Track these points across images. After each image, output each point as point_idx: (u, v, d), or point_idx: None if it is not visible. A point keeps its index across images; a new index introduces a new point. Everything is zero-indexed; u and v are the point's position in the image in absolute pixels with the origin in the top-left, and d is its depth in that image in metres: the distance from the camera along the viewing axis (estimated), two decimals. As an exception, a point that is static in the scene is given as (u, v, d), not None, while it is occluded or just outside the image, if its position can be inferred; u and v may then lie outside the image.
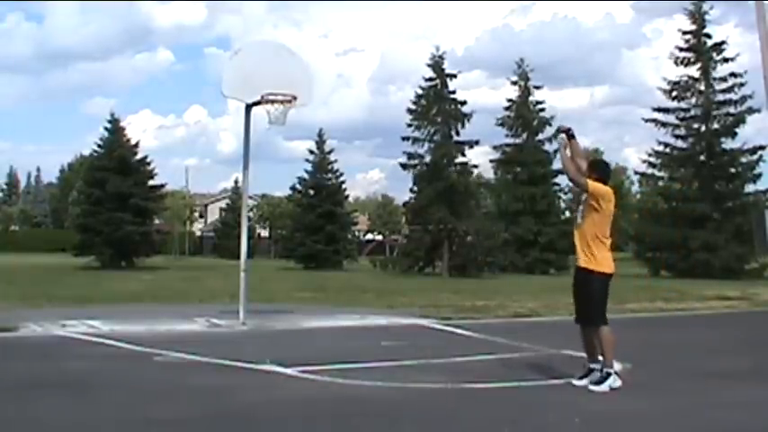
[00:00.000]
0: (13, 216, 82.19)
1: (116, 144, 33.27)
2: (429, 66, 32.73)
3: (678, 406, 5.68)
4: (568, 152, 6.31)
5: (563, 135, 6.38)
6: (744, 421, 5.21)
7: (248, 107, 10.97)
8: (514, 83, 38.12)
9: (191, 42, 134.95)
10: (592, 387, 5.92)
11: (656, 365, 7.53)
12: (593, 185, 6.05)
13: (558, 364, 7.30)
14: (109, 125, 33.95)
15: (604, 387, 5.89)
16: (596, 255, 6.00)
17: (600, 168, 6.38)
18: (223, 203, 68.31)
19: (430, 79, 32.67)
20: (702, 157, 33.16)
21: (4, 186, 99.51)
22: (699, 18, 33.31)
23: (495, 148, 38.10)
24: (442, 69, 32.65)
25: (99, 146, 34.02)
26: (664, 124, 33.60)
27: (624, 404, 5.66)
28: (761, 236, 18.33)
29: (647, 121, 33.80)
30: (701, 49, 33.03)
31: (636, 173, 38.52)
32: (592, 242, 6.02)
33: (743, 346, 9.40)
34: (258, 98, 10.61)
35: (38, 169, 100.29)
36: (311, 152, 39.28)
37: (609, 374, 5.93)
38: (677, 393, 6.16)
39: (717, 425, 5.20)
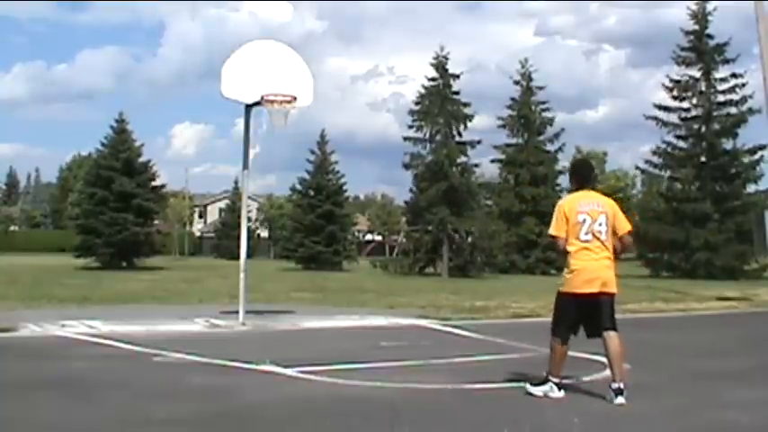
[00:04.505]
0: (12, 216, 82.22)
1: (122, 145, 33.27)
2: (432, 65, 32.70)
3: (678, 406, 5.67)
4: None
5: None
6: (744, 421, 5.20)
7: (248, 107, 10.97)
8: (516, 82, 38.13)
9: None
10: (529, 387, 5.79)
11: (656, 365, 7.53)
12: (552, 231, 5.83)
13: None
14: (115, 124, 33.97)
15: (538, 390, 5.72)
16: (564, 273, 5.83)
17: (577, 173, 6.19)
18: (223, 204, 68.36)
19: (433, 79, 32.63)
20: (703, 158, 33.17)
21: (4, 187, 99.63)
22: (701, 18, 33.30)
23: (495, 147, 38.14)
24: (446, 69, 32.61)
25: (103, 145, 34.06)
26: (665, 123, 33.62)
27: (624, 404, 5.66)
28: (761, 236, 18.33)
29: (647, 118, 33.87)
30: (702, 50, 33.03)
31: (637, 167, 38.61)
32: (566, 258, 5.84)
33: (742, 347, 9.40)
34: (258, 98, 10.62)
35: (37, 170, 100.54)
36: (312, 152, 39.30)
37: (547, 380, 5.75)
38: (677, 393, 6.16)
39: (717, 425, 5.19)
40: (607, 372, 6.67)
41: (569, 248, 5.74)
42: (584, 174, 6.17)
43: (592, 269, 5.68)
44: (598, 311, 5.71)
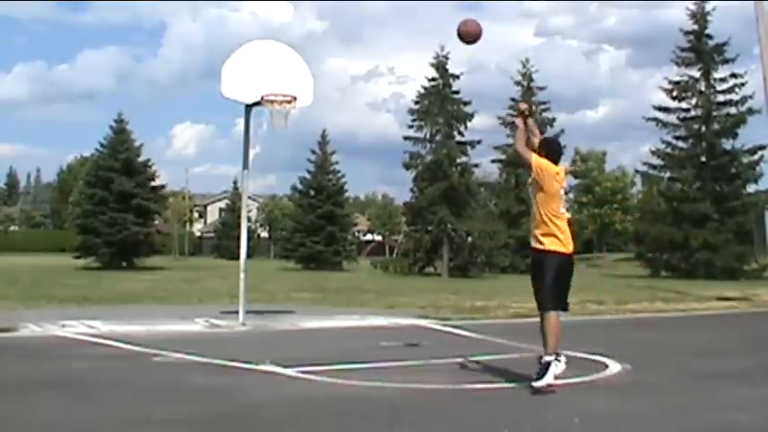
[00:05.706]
0: (12, 216, 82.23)
1: (121, 145, 33.27)
2: (432, 65, 32.72)
3: (678, 406, 5.67)
4: (521, 132, 6.35)
5: (519, 119, 6.42)
6: (744, 421, 5.19)
7: (248, 107, 10.97)
8: (517, 83, 38.15)
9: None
10: (534, 384, 5.74)
11: (656, 365, 7.53)
12: (537, 160, 6.04)
13: (557, 364, 7.28)
14: (114, 125, 33.96)
15: (545, 380, 5.69)
16: (548, 235, 5.94)
17: (549, 148, 6.30)
18: (223, 204, 68.38)
19: (433, 79, 32.64)
20: (703, 158, 33.18)
21: (4, 186, 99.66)
22: (700, 18, 33.30)
23: (496, 147, 38.13)
24: (446, 69, 32.64)
25: (102, 145, 34.04)
26: (665, 124, 33.62)
27: (624, 404, 5.66)
28: (761, 236, 18.33)
29: (648, 120, 33.86)
30: (702, 50, 33.03)
31: (636, 171, 38.58)
32: (543, 223, 5.97)
33: (742, 347, 9.39)
34: (258, 98, 10.62)
35: (37, 170, 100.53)
36: (313, 152, 39.30)
37: (548, 364, 5.72)
38: (677, 393, 6.15)
39: (717, 425, 5.18)
40: (607, 372, 6.73)
41: (561, 216, 5.99)
42: (557, 151, 6.38)
43: (569, 235, 6.08)
44: (570, 275, 6.06)
